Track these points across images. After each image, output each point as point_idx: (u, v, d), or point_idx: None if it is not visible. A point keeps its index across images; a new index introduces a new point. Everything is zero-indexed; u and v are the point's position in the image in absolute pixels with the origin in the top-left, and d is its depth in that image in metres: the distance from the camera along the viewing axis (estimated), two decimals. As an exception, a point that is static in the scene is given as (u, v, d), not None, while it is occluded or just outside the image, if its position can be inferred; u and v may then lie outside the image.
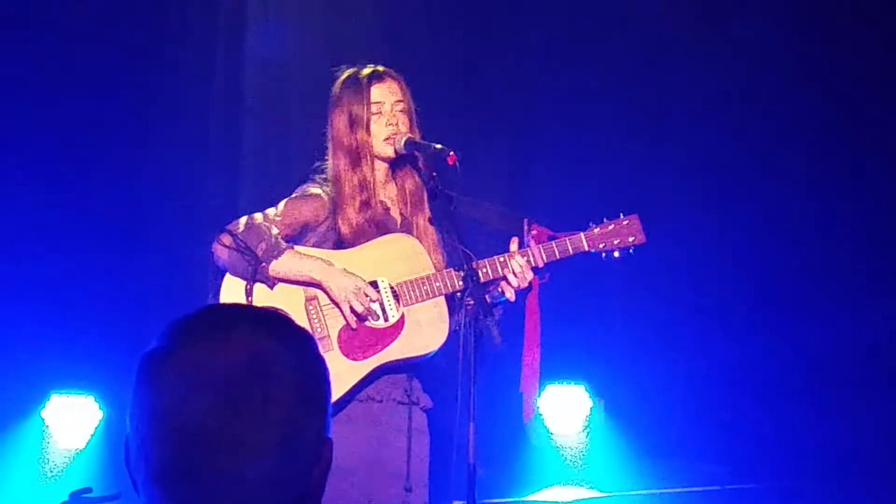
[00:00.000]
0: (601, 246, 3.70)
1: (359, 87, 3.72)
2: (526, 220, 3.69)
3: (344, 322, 3.59)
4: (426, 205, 3.76)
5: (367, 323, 3.60)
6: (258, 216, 3.63)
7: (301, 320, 3.54)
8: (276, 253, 3.55)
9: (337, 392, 3.50)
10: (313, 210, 3.69)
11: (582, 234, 3.70)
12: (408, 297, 3.62)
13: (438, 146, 3.58)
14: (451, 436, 3.44)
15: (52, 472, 5.68)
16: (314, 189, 3.73)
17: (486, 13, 5.89)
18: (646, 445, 5.78)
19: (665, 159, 5.81)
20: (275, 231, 3.59)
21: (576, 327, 5.60)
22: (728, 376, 5.75)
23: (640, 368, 5.78)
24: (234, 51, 5.72)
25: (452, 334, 3.62)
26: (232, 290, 3.59)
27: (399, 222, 3.77)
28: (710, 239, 5.76)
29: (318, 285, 3.59)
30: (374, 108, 3.70)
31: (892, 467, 5.52)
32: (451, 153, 3.53)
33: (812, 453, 5.58)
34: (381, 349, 3.60)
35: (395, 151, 3.70)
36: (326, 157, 3.78)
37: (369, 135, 3.70)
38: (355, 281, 3.57)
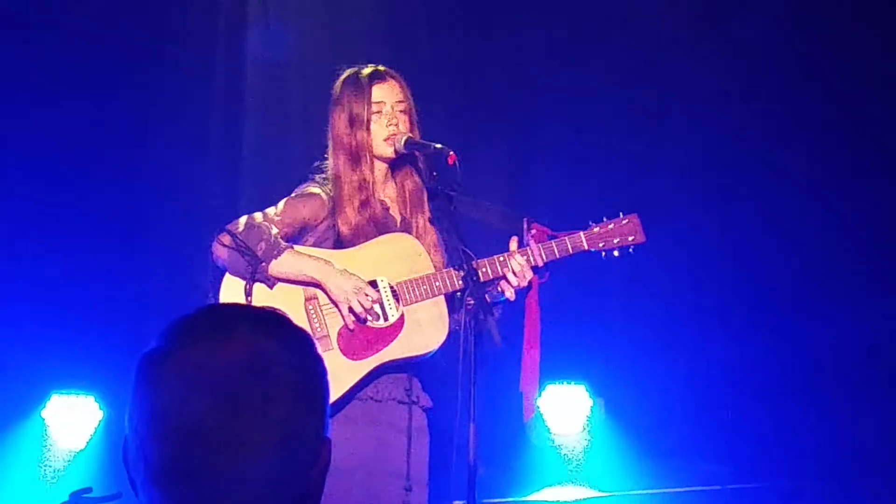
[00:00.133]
0: (601, 245, 3.70)
1: (360, 87, 3.72)
2: (525, 220, 3.69)
3: (343, 322, 3.59)
4: (426, 205, 3.77)
5: (366, 322, 3.60)
6: (258, 216, 3.63)
7: (300, 320, 3.54)
8: (275, 252, 3.55)
9: (337, 391, 3.50)
10: (312, 210, 3.69)
11: (582, 234, 3.70)
12: (407, 296, 3.62)
13: (438, 146, 3.58)
14: (451, 435, 3.43)
15: (52, 472, 5.68)
16: (314, 189, 3.73)
17: (486, 13, 5.89)
18: (646, 445, 5.78)
19: (665, 159, 5.81)
20: (274, 231, 3.59)
21: (576, 327, 5.60)
22: (728, 376, 5.75)
23: (641, 368, 5.78)
24: (234, 51, 5.72)
25: (452, 334, 3.63)
26: (231, 290, 3.59)
27: (399, 222, 3.77)
28: (710, 239, 5.76)
29: (317, 285, 3.59)
30: (374, 108, 3.70)
31: (892, 467, 5.52)
32: (451, 153, 3.53)
33: (812, 453, 5.58)
34: (381, 348, 3.61)
35: (395, 151, 3.70)
36: (326, 157, 3.78)
37: (369, 134, 3.70)
38: (355, 281, 3.57)
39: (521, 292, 3.66)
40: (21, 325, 5.47)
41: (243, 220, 3.61)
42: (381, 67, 3.78)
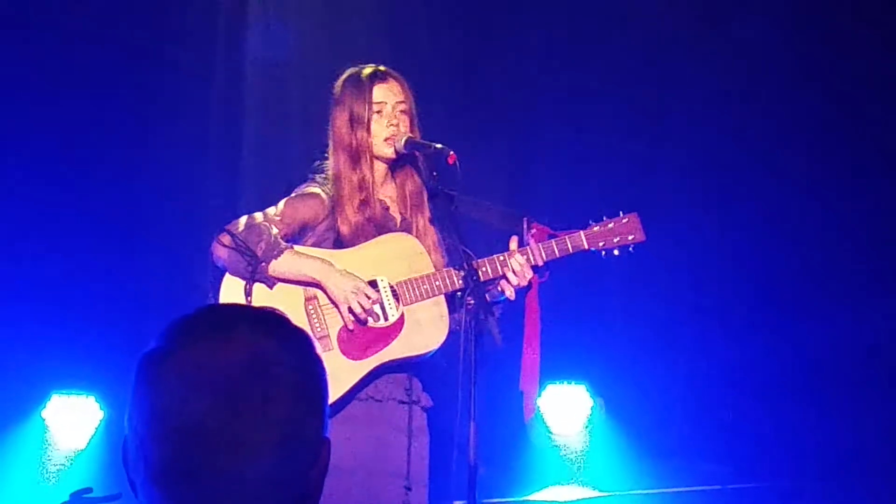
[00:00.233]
0: (601, 244, 3.70)
1: (361, 87, 3.72)
2: (525, 219, 3.69)
3: (343, 322, 3.59)
4: (426, 205, 3.77)
5: (367, 323, 3.60)
6: (258, 216, 3.63)
7: (300, 320, 3.54)
8: (275, 252, 3.55)
9: (337, 391, 3.50)
10: (312, 209, 3.69)
11: (581, 233, 3.70)
12: (407, 296, 3.62)
13: (439, 146, 3.58)
14: (451, 435, 3.44)
15: (52, 472, 5.68)
16: (313, 188, 3.73)
17: (486, 13, 5.89)
18: (646, 445, 5.78)
19: (665, 159, 5.81)
20: (274, 231, 3.59)
21: (576, 327, 5.60)
22: (728, 376, 5.75)
23: (641, 368, 5.78)
24: (234, 51, 5.72)
25: (452, 333, 3.63)
26: (231, 290, 3.59)
27: (398, 222, 3.77)
28: (710, 238, 5.76)
29: (317, 285, 3.59)
30: (375, 108, 3.70)
31: (892, 467, 5.52)
32: (452, 153, 3.53)
33: (812, 453, 5.58)
34: (381, 348, 3.61)
35: (396, 151, 3.70)
36: (327, 156, 3.78)
37: (369, 134, 3.70)
38: (354, 281, 3.57)
39: (522, 292, 3.66)
40: (21, 326, 5.47)
41: (243, 220, 3.61)
42: (382, 67, 3.78)
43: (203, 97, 5.70)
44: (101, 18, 5.48)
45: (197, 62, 5.69)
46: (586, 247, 3.69)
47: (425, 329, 3.63)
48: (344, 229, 3.68)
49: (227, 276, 3.60)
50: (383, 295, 3.63)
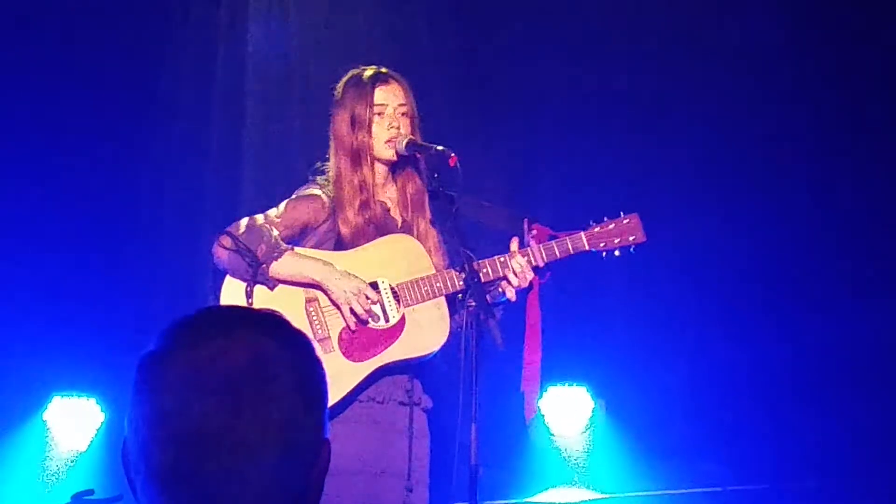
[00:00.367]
0: (602, 245, 3.69)
1: (362, 88, 3.72)
2: (526, 220, 3.69)
3: (344, 323, 3.59)
4: (427, 207, 3.77)
5: (367, 324, 3.60)
6: (259, 217, 3.63)
7: (301, 322, 3.54)
8: (275, 254, 3.55)
9: (338, 393, 3.50)
10: (313, 211, 3.69)
11: (582, 233, 3.69)
12: (408, 297, 3.62)
13: (440, 147, 3.58)
14: (452, 436, 3.43)
15: (53, 473, 5.68)
16: (314, 190, 3.73)
17: (486, 13, 5.89)
18: (647, 447, 5.78)
19: (666, 159, 5.80)
20: (275, 232, 3.59)
21: (577, 329, 5.60)
22: (729, 377, 5.75)
23: (642, 370, 5.78)
24: (235, 50, 5.72)
25: (453, 335, 3.62)
26: (232, 292, 3.59)
27: (399, 223, 3.77)
28: (711, 239, 5.75)
29: (318, 286, 3.59)
30: (376, 110, 3.70)
31: (892, 467, 5.52)
32: (453, 155, 3.53)
33: (813, 454, 5.58)
34: (382, 350, 3.60)
35: (397, 153, 3.70)
36: (328, 158, 3.78)
37: (370, 136, 3.70)
38: (355, 282, 3.57)
39: (523, 293, 3.65)
40: (22, 327, 5.47)
41: (244, 221, 3.61)
42: (383, 69, 3.78)
43: (203, 97, 5.70)
44: (101, 18, 5.48)
45: (197, 62, 5.69)
46: (587, 247, 3.69)
47: (426, 330, 3.63)
48: (344, 231, 3.67)
49: (228, 277, 3.60)
50: (384, 296, 3.63)
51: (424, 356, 3.63)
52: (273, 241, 3.57)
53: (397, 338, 3.62)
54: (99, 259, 5.55)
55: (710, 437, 5.72)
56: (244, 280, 3.56)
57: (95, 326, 5.52)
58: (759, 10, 5.70)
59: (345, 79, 3.79)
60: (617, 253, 3.71)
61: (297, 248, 3.62)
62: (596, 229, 3.70)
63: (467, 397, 3.35)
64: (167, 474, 1.26)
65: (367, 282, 3.60)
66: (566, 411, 5.90)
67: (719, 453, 5.71)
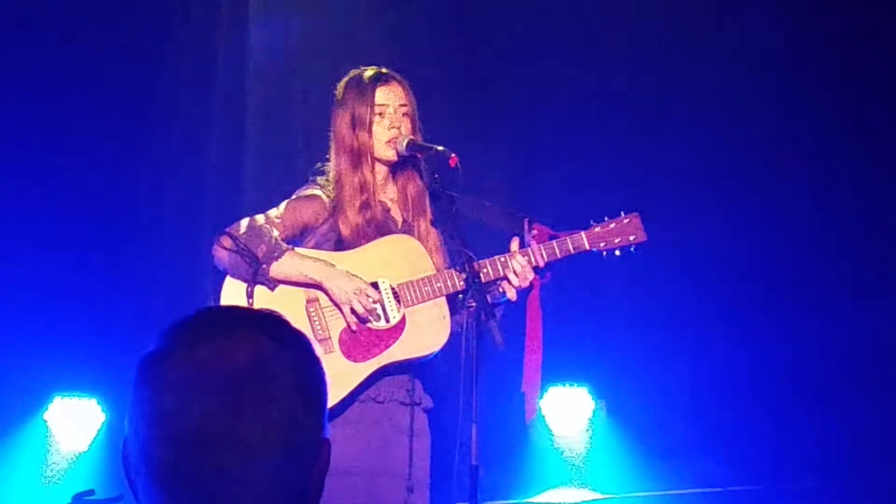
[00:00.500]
0: (602, 245, 3.69)
1: (363, 89, 3.72)
2: (526, 220, 3.69)
3: (345, 323, 3.59)
4: (428, 207, 3.76)
5: (368, 324, 3.60)
6: (259, 218, 3.63)
7: (302, 322, 3.54)
8: (276, 255, 3.55)
9: (339, 393, 3.50)
10: (313, 211, 3.69)
11: (583, 233, 3.69)
12: (409, 297, 3.62)
13: (440, 148, 3.58)
14: (453, 437, 3.43)
15: (54, 474, 5.68)
16: (314, 190, 3.73)
17: (486, 14, 5.89)
18: (648, 447, 5.78)
19: (666, 159, 5.80)
20: (275, 233, 3.59)
21: (578, 329, 5.60)
22: (730, 378, 5.75)
23: (643, 370, 5.78)
24: (235, 51, 5.72)
25: (453, 335, 3.62)
26: (232, 293, 3.59)
27: (399, 223, 3.77)
28: (711, 239, 5.75)
29: (318, 286, 3.59)
30: (377, 111, 3.70)
31: (892, 467, 5.52)
32: (453, 155, 3.53)
33: (813, 454, 5.58)
34: (383, 350, 3.60)
35: (397, 153, 3.70)
36: (328, 158, 3.78)
37: (371, 136, 3.70)
38: (356, 282, 3.56)
39: (523, 293, 3.65)
40: (23, 328, 5.47)
41: (244, 222, 3.61)
42: (384, 70, 3.78)
43: (203, 97, 5.70)
44: (101, 18, 5.48)
45: (197, 62, 5.69)
46: (587, 247, 3.69)
47: (427, 331, 3.63)
48: (345, 231, 3.67)
49: (228, 278, 3.60)
50: (384, 297, 3.63)
51: (425, 356, 3.63)
52: (273, 241, 3.57)
53: (398, 338, 3.62)
54: (99, 259, 5.55)
55: (711, 438, 5.72)
56: (244, 280, 3.56)
57: (95, 326, 5.52)
58: (758, 11, 5.70)
59: (345, 79, 3.79)
60: (618, 253, 3.71)
61: (297, 249, 3.62)
62: (596, 229, 3.70)
63: (468, 397, 3.35)
64: (167, 474, 1.26)
65: (368, 282, 3.60)
66: (567, 412, 5.90)
67: (720, 453, 5.71)
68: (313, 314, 3.60)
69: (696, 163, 5.82)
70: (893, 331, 5.54)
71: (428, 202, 3.75)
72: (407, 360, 3.62)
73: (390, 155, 3.71)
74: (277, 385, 1.28)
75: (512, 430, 5.17)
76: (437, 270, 3.67)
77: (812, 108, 5.73)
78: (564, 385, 5.88)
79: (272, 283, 3.57)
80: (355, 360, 3.59)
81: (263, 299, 3.56)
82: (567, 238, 3.68)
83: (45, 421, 5.68)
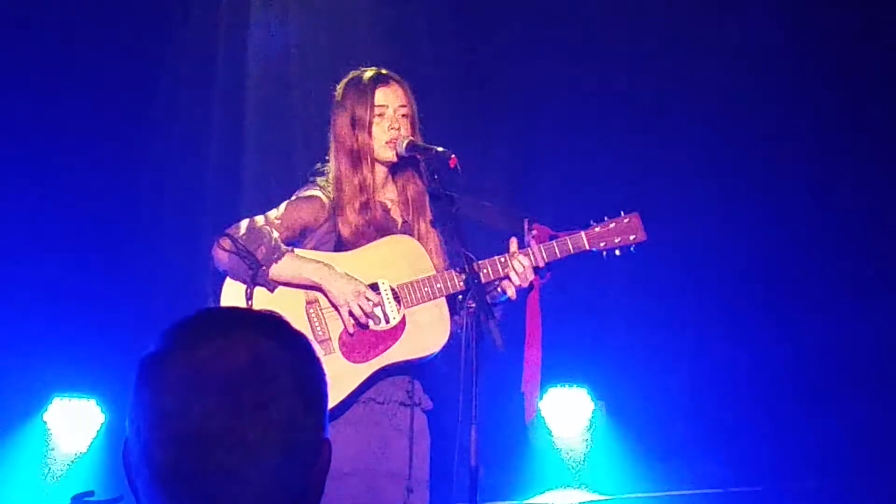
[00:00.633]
0: (602, 244, 3.69)
1: (363, 90, 3.72)
2: (526, 220, 3.69)
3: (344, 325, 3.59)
4: (428, 208, 3.76)
5: (367, 327, 3.59)
6: (259, 219, 3.63)
7: (302, 323, 3.54)
8: (275, 256, 3.55)
9: (339, 394, 3.50)
10: (313, 212, 3.69)
11: (583, 233, 3.69)
12: (408, 298, 3.62)
13: (440, 149, 3.58)
14: (452, 437, 3.43)
15: (54, 475, 5.67)
16: (313, 191, 3.73)
17: (486, 13, 5.89)
18: (648, 448, 5.78)
19: (666, 158, 5.80)
20: (275, 234, 3.59)
21: (577, 329, 5.60)
22: (729, 378, 5.75)
23: (642, 371, 5.78)
24: (235, 51, 5.72)
25: (453, 336, 3.62)
26: (232, 294, 3.58)
27: (399, 224, 3.77)
28: (711, 239, 5.75)
29: (318, 288, 3.58)
30: (377, 112, 3.70)
31: (892, 467, 5.52)
32: (453, 156, 3.53)
33: (813, 454, 5.58)
34: (383, 351, 3.60)
35: (397, 154, 3.70)
36: (328, 159, 3.78)
37: (370, 137, 3.70)
38: (355, 284, 3.56)
39: (523, 292, 3.65)
40: (22, 328, 5.47)
41: (244, 223, 3.61)
42: (384, 71, 3.78)
43: (203, 97, 5.70)
44: (101, 18, 5.48)
45: (197, 62, 5.69)
46: (587, 247, 3.68)
47: (427, 331, 3.63)
48: (345, 232, 3.67)
49: (228, 280, 3.60)
50: (384, 297, 3.62)
51: (425, 357, 3.63)
52: (273, 242, 3.56)
53: (398, 339, 3.62)
54: (99, 259, 5.54)
55: (711, 438, 5.72)
56: (244, 282, 3.56)
57: (95, 327, 5.52)
58: (759, 11, 5.70)
59: (345, 80, 3.79)
60: (617, 252, 3.71)
61: (296, 250, 3.62)
62: (596, 229, 3.70)
63: (467, 398, 3.35)
64: (168, 475, 1.26)
65: (368, 283, 3.60)
66: (566, 412, 5.90)
67: (720, 454, 5.71)
68: (313, 315, 3.59)
69: (696, 162, 5.82)
70: (893, 331, 5.53)
71: (428, 203, 3.75)
72: (407, 360, 3.62)
73: (390, 156, 3.71)
74: (277, 385, 1.28)
75: (511, 431, 5.17)
76: (437, 271, 3.66)
77: (812, 106, 5.74)
78: (564, 386, 5.88)
79: (272, 285, 3.57)
80: (355, 361, 3.59)
81: (263, 301, 3.56)
82: (567, 238, 3.68)
83: (45, 422, 5.68)
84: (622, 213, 3.73)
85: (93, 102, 5.49)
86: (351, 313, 3.55)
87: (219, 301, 3.59)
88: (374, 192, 3.71)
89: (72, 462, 5.70)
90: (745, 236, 5.76)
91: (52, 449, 5.69)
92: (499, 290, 3.65)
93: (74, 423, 5.68)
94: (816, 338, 5.58)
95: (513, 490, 5.74)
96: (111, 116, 5.52)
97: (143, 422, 1.28)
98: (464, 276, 3.50)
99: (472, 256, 3.52)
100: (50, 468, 5.68)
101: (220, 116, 5.73)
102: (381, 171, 3.75)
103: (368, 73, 3.76)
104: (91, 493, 3.79)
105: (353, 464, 3.52)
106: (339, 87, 3.78)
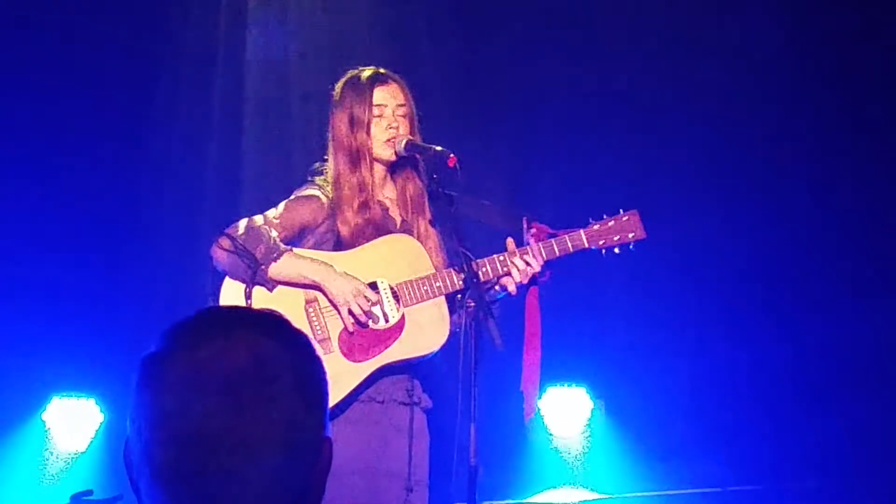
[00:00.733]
0: (601, 242, 3.69)
1: (361, 89, 3.72)
2: (525, 219, 3.69)
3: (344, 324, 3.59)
4: (427, 208, 3.76)
5: (366, 326, 3.59)
6: (258, 218, 3.63)
7: (301, 322, 3.54)
8: (274, 255, 3.55)
9: (339, 393, 3.50)
10: (311, 212, 3.69)
11: (581, 231, 3.69)
12: (408, 297, 3.62)
13: (438, 148, 3.58)
14: (452, 436, 3.43)
15: (52, 474, 5.67)
16: (313, 191, 3.73)
17: (486, 13, 5.89)
18: (647, 447, 5.78)
19: (665, 157, 5.80)
20: (274, 234, 3.59)
21: (577, 329, 5.60)
22: (729, 378, 5.75)
23: (641, 370, 5.78)
24: (235, 51, 5.72)
25: (453, 335, 3.62)
26: (231, 293, 3.58)
27: (398, 223, 3.77)
28: (711, 237, 5.75)
29: (317, 287, 3.58)
30: (375, 111, 3.70)
31: (892, 467, 5.52)
32: (452, 155, 3.53)
33: (813, 454, 5.58)
34: (382, 350, 3.60)
35: (395, 154, 3.70)
36: (326, 158, 3.78)
37: (369, 136, 3.70)
38: (354, 283, 3.56)
39: (522, 290, 3.65)
40: (21, 328, 5.47)
41: (243, 223, 3.61)
42: (382, 70, 3.78)
43: (203, 97, 5.70)
44: (101, 18, 5.48)
45: (197, 62, 5.69)
46: (586, 245, 3.68)
47: (426, 330, 3.63)
48: (344, 231, 3.67)
49: (227, 279, 3.60)
50: (384, 296, 3.62)
51: (424, 356, 3.63)
52: (272, 242, 3.56)
53: (397, 338, 3.62)
54: (99, 259, 5.55)
55: (710, 438, 5.72)
56: (243, 281, 3.55)
57: (95, 326, 5.52)
58: (759, 11, 5.70)
59: (343, 79, 3.79)
60: (617, 250, 3.71)
61: (295, 249, 3.62)
62: (595, 227, 3.70)
63: (466, 397, 3.35)
64: (169, 475, 1.26)
65: (367, 282, 3.60)
66: (565, 411, 5.90)
67: (719, 453, 5.71)
68: (312, 315, 3.59)
69: (696, 161, 5.82)
70: (893, 331, 5.53)
71: (427, 202, 3.75)
72: (406, 359, 3.62)
73: (389, 155, 3.71)
74: (278, 385, 1.28)
75: (510, 430, 5.17)
76: (437, 270, 3.66)
77: (812, 106, 5.74)
78: (563, 385, 5.88)
79: (271, 284, 3.57)
80: (355, 360, 3.59)
81: (262, 300, 3.56)
82: (566, 236, 3.68)
83: (44, 421, 5.68)
84: (621, 211, 3.73)
85: (93, 102, 5.49)
86: (350, 312, 3.55)
87: (218, 300, 3.59)
88: (372, 191, 3.71)
89: (70, 461, 5.70)
90: (744, 236, 5.76)
91: (51, 448, 5.68)
92: (497, 287, 3.65)
93: (73, 423, 5.68)
94: (816, 338, 5.58)
95: (512, 489, 5.74)
96: (111, 116, 5.53)
97: (144, 422, 1.28)
98: (463, 275, 3.50)
99: (471, 255, 3.52)
100: (49, 468, 5.67)
101: (220, 116, 5.73)
102: (379, 170, 3.75)
103: (367, 72, 3.76)
104: (90, 493, 3.80)
105: (353, 463, 3.52)
106: (338, 87, 3.78)
